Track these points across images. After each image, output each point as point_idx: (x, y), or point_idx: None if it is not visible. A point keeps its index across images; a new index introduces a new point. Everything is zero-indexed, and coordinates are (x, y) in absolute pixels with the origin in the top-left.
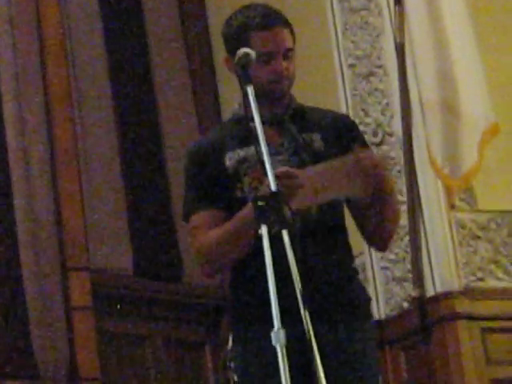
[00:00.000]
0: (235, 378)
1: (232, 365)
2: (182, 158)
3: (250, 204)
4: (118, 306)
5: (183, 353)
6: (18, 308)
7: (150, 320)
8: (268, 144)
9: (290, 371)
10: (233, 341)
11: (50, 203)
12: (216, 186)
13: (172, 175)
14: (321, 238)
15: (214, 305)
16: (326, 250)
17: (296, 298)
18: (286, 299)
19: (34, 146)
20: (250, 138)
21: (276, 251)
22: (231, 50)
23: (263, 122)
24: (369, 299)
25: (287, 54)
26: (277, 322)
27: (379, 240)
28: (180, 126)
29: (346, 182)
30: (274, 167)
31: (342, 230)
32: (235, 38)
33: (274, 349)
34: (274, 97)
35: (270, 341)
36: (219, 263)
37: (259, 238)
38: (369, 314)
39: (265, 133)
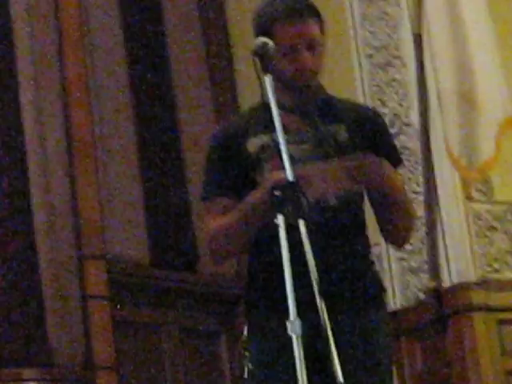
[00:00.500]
0: (250, 367)
1: (247, 353)
2: (199, 147)
3: (254, 191)
4: (134, 296)
5: (198, 342)
6: (33, 296)
7: (165, 309)
8: (293, 132)
9: (306, 361)
10: (248, 329)
11: (67, 191)
12: (237, 172)
13: (189, 164)
14: (339, 230)
15: (229, 294)
16: (343, 241)
17: (312, 288)
18: (302, 289)
19: (50, 134)
20: (272, 124)
21: (293, 241)
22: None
23: (289, 111)
24: (384, 290)
25: (312, 44)
26: (292, 312)
27: (393, 239)
28: (197, 115)
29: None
30: (297, 155)
31: (361, 222)
32: (262, 30)
33: (289, 338)
34: (298, 87)
35: (286, 330)
36: (227, 249)
37: (277, 227)
38: (383, 304)
39: (290, 121)
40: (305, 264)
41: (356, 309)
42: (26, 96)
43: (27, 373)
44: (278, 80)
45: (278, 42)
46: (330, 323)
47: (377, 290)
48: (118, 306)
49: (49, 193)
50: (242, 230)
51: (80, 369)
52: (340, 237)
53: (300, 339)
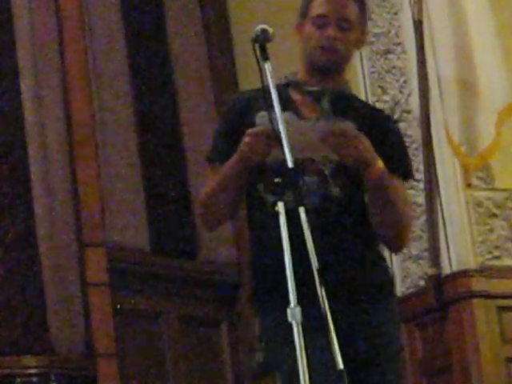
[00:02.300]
0: (261, 359)
1: (261, 345)
2: (200, 134)
3: (235, 154)
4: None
5: (199, 330)
6: (34, 284)
7: (165, 297)
8: (304, 116)
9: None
10: (260, 322)
11: (67, 179)
12: (240, 141)
13: (189, 152)
14: (342, 219)
15: (230, 282)
16: (346, 229)
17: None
18: (306, 276)
19: (51, 123)
20: (285, 104)
21: (294, 228)
22: (301, 13)
23: (306, 93)
24: (391, 280)
25: (342, 24)
26: (293, 299)
27: (384, 242)
28: (197, 103)
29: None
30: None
31: (365, 212)
32: (303, 6)
33: (302, 324)
34: (319, 67)
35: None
36: (212, 213)
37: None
38: (392, 294)
39: (304, 104)
40: (307, 251)
41: (363, 297)
42: (26, 83)
43: (27, 360)
44: (305, 56)
45: (313, 10)
46: (336, 311)
47: (384, 280)
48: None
49: (49, 180)
50: (223, 192)
51: (80, 356)
52: (344, 225)
53: (301, 326)
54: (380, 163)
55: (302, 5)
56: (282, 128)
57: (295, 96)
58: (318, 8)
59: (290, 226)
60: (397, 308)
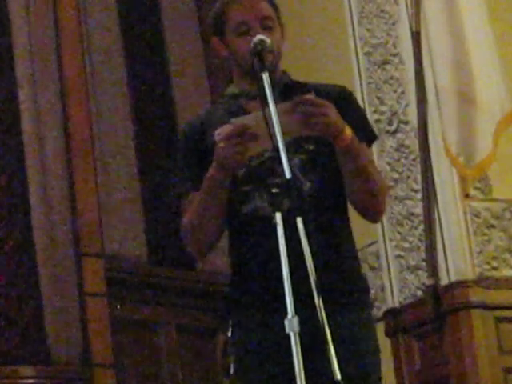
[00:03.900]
0: (232, 372)
1: (232, 352)
2: None
3: (211, 167)
4: (131, 293)
5: (196, 339)
6: (31, 294)
7: (163, 307)
8: None
9: (287, 358)
10: (231, 327)
11: (65, 189)
12: (205, 164)
13: None
14: (314, 218)
15: (227, 292)
16: (318, 230)
17: (293, 284)
18: (281, 285)
19: (48, 132)
20: (239, 114)
21: (274, 237)
22: (215, 31)
23: (250, 97)
24: (366, 288)
25: (266, 23)
26: (290, 309)
27: (361, 211)
28: (195, 113)
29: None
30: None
31: (340, 210)
32: (216, 16)
33: (272, 336)
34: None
35: (267, 328)
36: (198, 240)
37: (255, 220)
38: (367, 303)
39: (252, 108)
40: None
41: (337, 304)
42: (23, 93)
43: (25, 370)
44: (237, 65)
45: (231, 21)
46: (313, 319)
47: (358, 288)
48: (118, 306)
49: (47, 191)
50: (209, 210)
51: (78, 366)
52: (315, 226)
53: (296, 335)
54: (348, 129)
55: (214, 21)
56: (279, 140)
57: (245, 105)
58: (236, 17)
59: (271, 235)
60: (371, 317)
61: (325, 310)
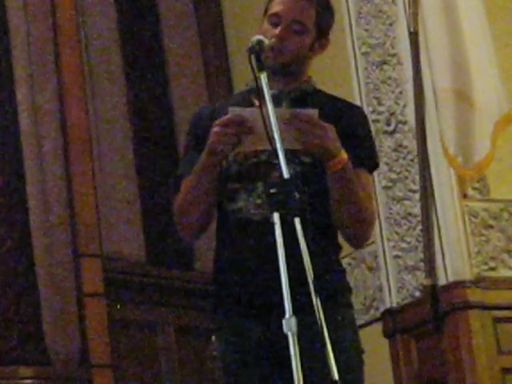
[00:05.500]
0: (219, 367)
1: (216, 354)
2: None
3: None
4: (130, 293)
5: (194, 340)
6: (29, 294)
7: (161, 307)
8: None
9: (260, 363)
10: (216, 329)
11: (63, 189)
12: None
13: None
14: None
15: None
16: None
17: (270, 289)
18: (267, 290)
19: (46, 132)
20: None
21: (266, 239)
22: (265, 10)
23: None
24: (348, 289)
25: (294, 26)
26: (288, 310)
27: (344, 236)
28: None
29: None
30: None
31: (324, 215)
32: (266, 8)
33: (251, 340)
34: (269, 67)
35: (247, 331)
36: (187, 220)
37: (236, 220)
38: (348, 304)
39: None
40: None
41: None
42: (22, 94)
43: (23, 371)
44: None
45: (271, 8)
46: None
47: (339, 289)
48: (118, 306)
49: (45, 191)
50: (196, 193)
51: (76, 367)
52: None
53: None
54: (343, 154)
55: (267, 3)
56: (277, 138)
57: (257, 102)
58: (274, 6)
59: (249, 237)
60: (352, 318)
61: (306, 311)
